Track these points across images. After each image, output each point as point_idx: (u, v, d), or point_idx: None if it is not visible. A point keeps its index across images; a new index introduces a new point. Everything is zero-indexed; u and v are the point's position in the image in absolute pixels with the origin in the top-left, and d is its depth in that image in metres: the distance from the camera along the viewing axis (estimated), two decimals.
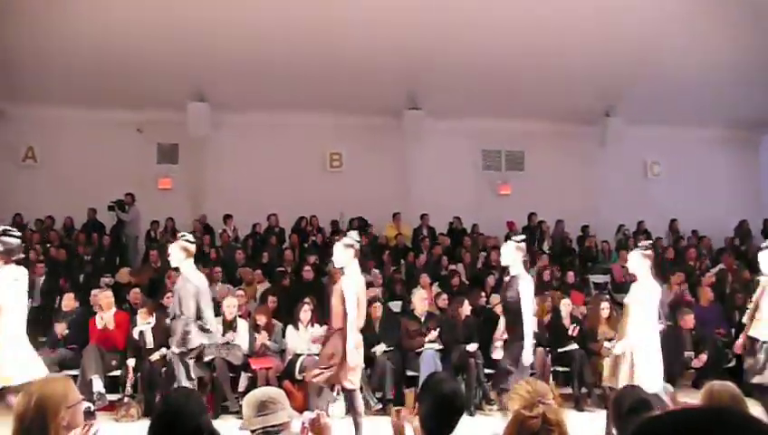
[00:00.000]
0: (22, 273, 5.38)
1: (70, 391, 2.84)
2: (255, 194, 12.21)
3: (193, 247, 5.89)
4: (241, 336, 7.38)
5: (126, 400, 6.92)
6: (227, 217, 12.25)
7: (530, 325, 5.72)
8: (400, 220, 12.59)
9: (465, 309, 7.85)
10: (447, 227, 12.54)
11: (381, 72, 11.27)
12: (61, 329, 7.43)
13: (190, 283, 5.69)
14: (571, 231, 12.68)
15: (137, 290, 8.73)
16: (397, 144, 12.79)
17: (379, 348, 7.51)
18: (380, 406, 7.06)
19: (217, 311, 7.25)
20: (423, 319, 7.79)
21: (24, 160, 12.66)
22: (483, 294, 9.14)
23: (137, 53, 10.60)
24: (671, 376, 6.45)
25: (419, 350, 7.50)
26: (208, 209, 12.57)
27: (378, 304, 8.06)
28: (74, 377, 6.42)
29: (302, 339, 7.52)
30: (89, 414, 5.17)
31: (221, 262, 10.56)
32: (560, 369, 7.63)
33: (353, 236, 5.76)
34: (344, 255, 5.56)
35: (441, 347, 7.57)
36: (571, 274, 10.04)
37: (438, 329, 7.55)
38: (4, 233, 5.30)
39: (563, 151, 13.11)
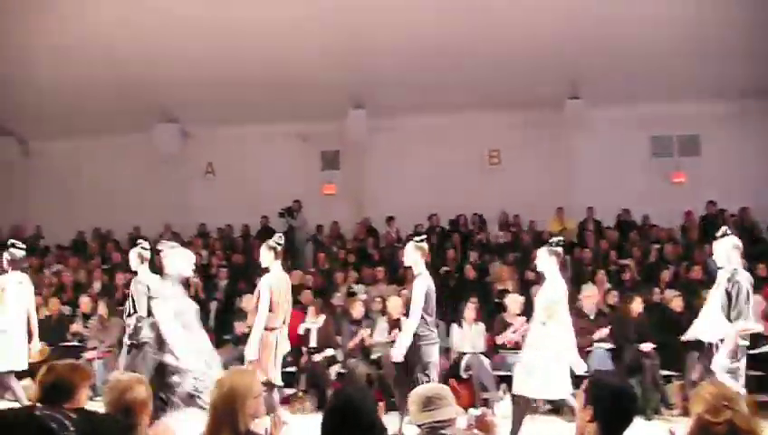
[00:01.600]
0: (25, 278, 6.63)
1: (255, 382, 3.07)
2: (416, 195, 12.40)
3: (147, 254, 6.29)
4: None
5: (300, 394, 7.31)
6: (390, 219, 12.54)
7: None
8: (564, 214, 12.14)
9: (637, 306, 7.39)
10: (615, 220, 11.90)
11: (538, 64, 10.94)
12: (241, 328, 7.99)
13: (141, 284, 6.05)
14: (761, 219, 11.47)
15: (308, 291, 9.19)
16: (557, 136, 12.36)
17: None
18: (549, 407, 6.83)
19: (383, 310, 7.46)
20: (592, 316, 7.45)
21: (205, 175, 13.83)
22: (656, 289, 8.54)
23: (302, 67, 11.16)
24: None
25: (589, 349, 7.17)
26: (371, 212, 12.93)
27: None
28: None
29: (466, 337, 7.49)
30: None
31: (385, 262, 10.83)
32: (753, 373, 6.92)
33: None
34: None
35: (612, 346, 7.19)
36: (762, 266, 9.07)
37: (609, 327, 7.18)
38: (12, 246, 6.58)
39: (745, 131, 11.91)
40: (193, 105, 12.55)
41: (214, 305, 10.11)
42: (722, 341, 5.09)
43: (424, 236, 6.24)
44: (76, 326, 8.63)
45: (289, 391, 7.38)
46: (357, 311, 8.13)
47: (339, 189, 13.60)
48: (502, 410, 6.48)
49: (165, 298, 5.61)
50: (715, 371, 4.96)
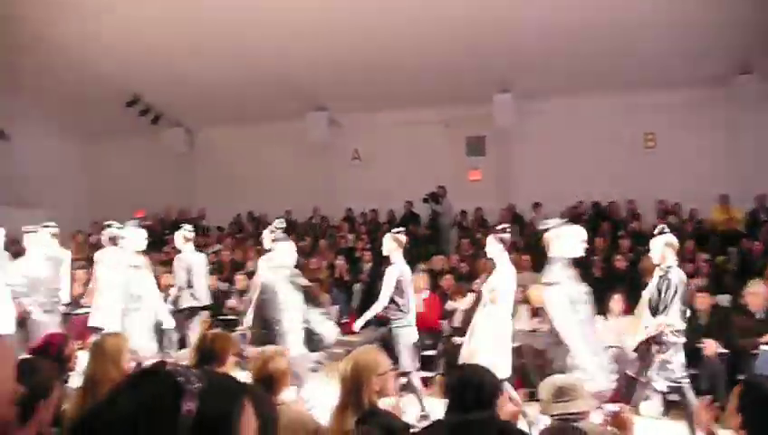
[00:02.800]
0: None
1: (381, 361, 3.12)
2: (564, 181, 11.96)
3: (191, 235, 7.57)
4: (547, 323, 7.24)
5: (438, 377, 7.31)
6: (536, 205, 12.19)
7: None
8: (729, 202, 11.12)
9: None
10: None
11: (705, 38, 10.06)
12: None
13: (182, 260, 7.35)
14: None
15: (449, 276, 9.18)
16: (724, 115, 11.34)
17: (708, 346, 6.73)
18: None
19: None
20: (760, 316, 6.77)
21: (351, 161, 14.22)
22: None
23: (447, 52, 11.10)
24: None
25: (755, 352, 6.52)
26: (517, 198, 12.65)
27: (703, 295, 7.27)
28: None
29: (610, 330, 7.10)
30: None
31: (530, 250, 10.53)
32: None
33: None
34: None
35: None
36: None
37: None
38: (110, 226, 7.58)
39: None
40: (341, 94, 12.95)
41: (358, 287, 10.39)
42: None
43: (402, 229, 6.91)
44: (232, 301, 9.23)
45: (427, 374, 7.41)
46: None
47: (484, 175, 13.43)
48: (647, 409, 6.08)
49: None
50: None
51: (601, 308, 7.46)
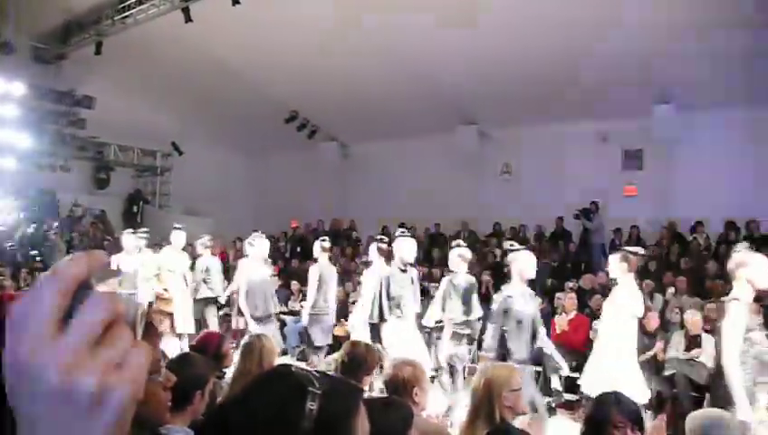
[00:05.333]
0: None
1: (513, 377, 3.12)
2: (730, 198, 11.05)
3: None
4: (707, 353, 6.74)
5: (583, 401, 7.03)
6: (698, 224, 11.39)
7: None
8: None
9: None
10: None
11: None
12: None
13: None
14: None
15: (598, 296, 8.82)
16: None
17: None
18: None
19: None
20: None
21: (501, 175, 14.10)
22: None
23: (603, 64, 10.72)
24: None
25: None
26: (678, 215, 11.87)
27: None
28: (538, 373, 6.78)
29: None
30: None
31: (691, 272, 9.86)
32: None
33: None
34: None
35: None
36: None
37: None
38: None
39: None
40: (491, 107, 12.91)
41: None
42: None
43: (326, 238, 8.09)
44: None
45: (571, 397, 7.17)
46: (651, 322, 7.55)
47: (641, 190, 12.74)
48: None
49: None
50: None
51: None
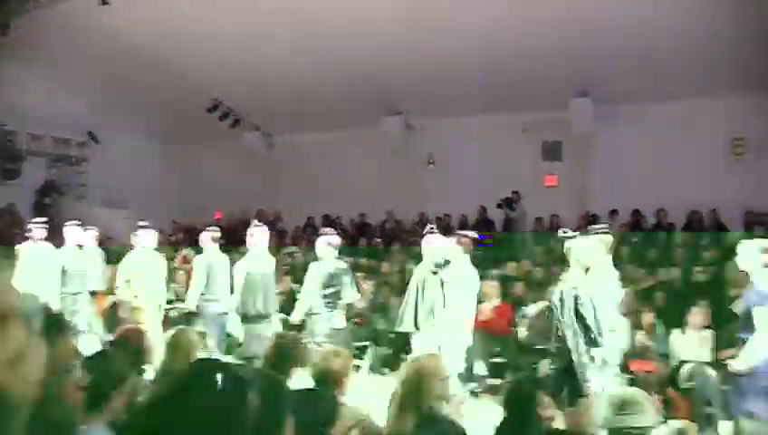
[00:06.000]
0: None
1: (442, 366, 3.16)
2: (644, 189, 11.62)
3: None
4: (621, 334, 7.05)
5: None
6: (613, 213, 11.88)
7: None
8: None
9: None
10: None
11: None
12: None
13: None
14: None
15: (520, 283, 9.08)
16: None
17: None
18: None
19: None
20: None
21: (426, 165, 14.25)
22: None
23: (521, 56, 10.99)
24: None
25: None
26: (594, 206, 12.35)
27: None
28: None
29: (689, 344, 6.84)
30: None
31: None
32: None
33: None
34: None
35: None
36: None
37: None
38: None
39: None
40: (417, 98, 13.02)
41: None
42: None
43: (216, 228, 8.06)
44: None
45: (495, 382, 7.37)
46: None
47: (561, 181, 13.18)
48: (727, 430, 5.81)
49: None
50: None
51: (681, 321, 7.21)
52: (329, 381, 3.31)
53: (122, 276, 7.72)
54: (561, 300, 4.96)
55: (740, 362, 4.76)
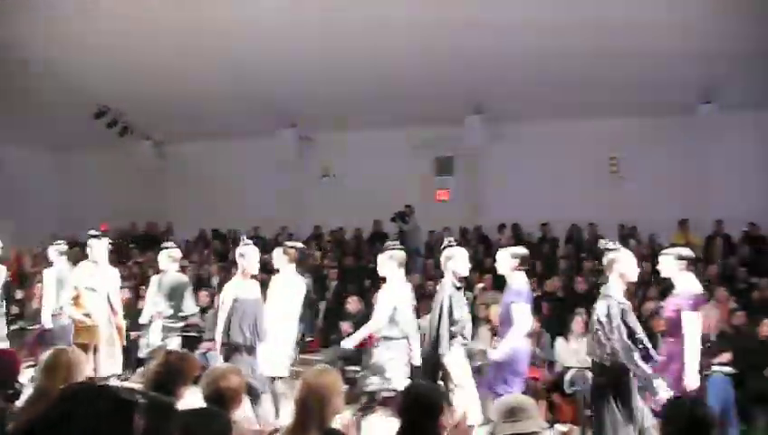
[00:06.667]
0: None
1: (339, 381, 3.13)
2: (531, 203, 12.15)
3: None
4: None
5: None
6: (502, 227, 12.36)
7: None
8: (688, 227, 11.40)
9: (766, 329, 6.81)
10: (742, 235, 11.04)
11: (666, 68, 10.36)
12: (346, 328, 8.16)
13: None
14: None
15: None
16: (684, 143, 11.64)
17: None
18: None
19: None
20: (712, 338, 6.95)
21: (321, 178, 14.25)
22: None
23: (416, 73, 11.25)
24: None
25: (706, 373, 6.68)
26: (484, 219, 12.80)
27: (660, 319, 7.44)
28: (357, 372, 6.93)
29: (572, 351, 7.22)
30: None
31: (494, 270, 10.64)
32: None
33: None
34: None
35: (734, 372, 6.65)
36: None
37: (731, 351, 6.66)
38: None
39: None
40: (312, 111, 13.01)
41: (323, 305, 10.39)
42: None
43: (61, 242, 7.54)
44: (194, 319, 9.11)
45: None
46: None
47: (453, 195, 13.57)
48: None
49: None
50: None
51: (563, 329, 7.60)
52: (222, 399, 3.22)
53: (69, 293, 6.97)
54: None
55: (497, 353, 5.47)
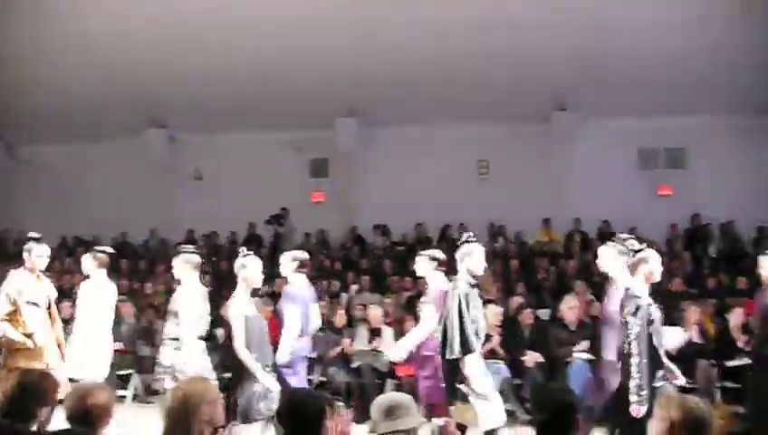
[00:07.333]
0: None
1: (209, 389, 3.04)
2: (405, 205, 12.42)
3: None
4: (387, 343, 7.46)
5: None
6: (376, 228, 12.56)
7: None
8: (551, 226, 12.16)
9: None
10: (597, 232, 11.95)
11: (527, 76, 11.01)
12: (222, 334, 7.94)
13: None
14: (744, 232, 11.55)
15: None
16: (545, 147, 12.41)
17: (530, 357, 7.29)
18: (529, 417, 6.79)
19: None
20: (573, 328, 7.45)
21: (193, 181, 13.81)
22: None
23: (289, 75, 11.19)
24: None
25: (568, 360, 7.16)
26: (359, 221, 12.94)
27: (528, 311, 7.88)
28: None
29: None
30: None
31: (371, 271, 10.82)
32: (730, 385, 6.93)
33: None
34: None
35: (592, 358, 7.16)
36: (742, 280, 9.11)
37: (589, 339, 7.16)
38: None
39: (732, 146, 12.00)
40: (182, 111, 12.57)
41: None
42: None
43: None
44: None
45: None
46: (339, 319, 8.11)
47: (327, 197, 13.61)
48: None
49: None
50: None
51: None
52: (87, 418, 3.04)
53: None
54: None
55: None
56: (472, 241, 5.35)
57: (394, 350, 5.68)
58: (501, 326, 7.46)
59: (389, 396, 3.41)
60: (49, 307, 5.71)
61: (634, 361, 4.27)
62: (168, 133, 13.46)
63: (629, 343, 4.30)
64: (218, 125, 12.83)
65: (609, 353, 4.85)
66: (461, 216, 12.31)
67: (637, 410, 4.14)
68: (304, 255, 5.87)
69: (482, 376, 5.10)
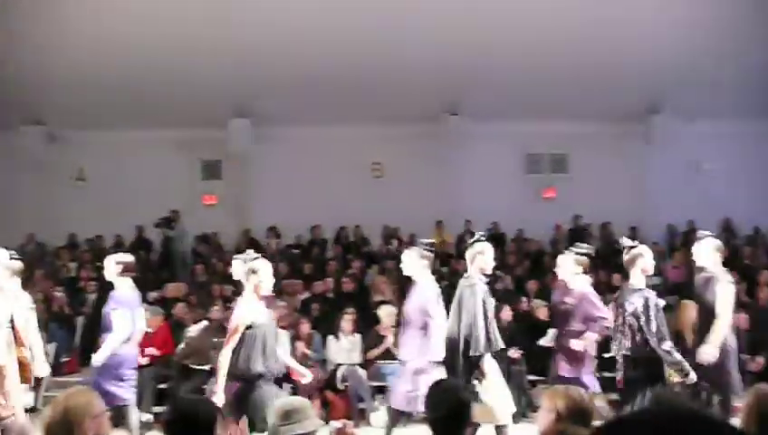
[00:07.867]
0: None
1: (93, 401, 2.89)
2: (300, 206, 12.34)
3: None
4: (282, 347, 7.39)
5: None
6: (271, 230, 12.40)
7: None
8: (443, 227, 12.48)
9: (507, 314, 7.72)
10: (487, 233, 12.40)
11: (419, 80, 11.26)
12: None
13: None
14: (618, 233, 12.35)
15: (182, 304, 8.90)
16: (438, 150, 12.71)
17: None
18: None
19: None
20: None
21: (75, 182, 13.06)
22: (524, 299, 8.97)
23: (178, 72, 10.86)
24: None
25: None
26: (253, 223, 12.73)
27: None
28: None
29: (342, 349, 7.50)
30: None
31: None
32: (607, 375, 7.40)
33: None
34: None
35: None
36: (617, 276, 9.74)
37: None
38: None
39: (608, 152, 12.81)
40: (62, 108, 11.88)
41: (80, 321, 9.55)
42: None
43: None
44: None
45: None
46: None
47: (220, 200, 13.29)
48: (377, 421, 6.52)
49: None
50: None
51: (333, 327, 7.86)
52: (68, 429, 2.81)
53: None
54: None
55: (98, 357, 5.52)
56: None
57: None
58: (395, 327, 7.58)
59: (287, 400, 3.42)
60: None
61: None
62: (46, 131, 12.66)
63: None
64: (103, 123, 12.22)
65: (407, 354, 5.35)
66: (356, 217, 12.43)
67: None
68: (129, 257, 5.97)
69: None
